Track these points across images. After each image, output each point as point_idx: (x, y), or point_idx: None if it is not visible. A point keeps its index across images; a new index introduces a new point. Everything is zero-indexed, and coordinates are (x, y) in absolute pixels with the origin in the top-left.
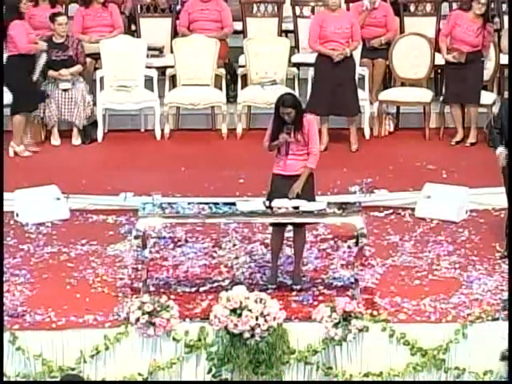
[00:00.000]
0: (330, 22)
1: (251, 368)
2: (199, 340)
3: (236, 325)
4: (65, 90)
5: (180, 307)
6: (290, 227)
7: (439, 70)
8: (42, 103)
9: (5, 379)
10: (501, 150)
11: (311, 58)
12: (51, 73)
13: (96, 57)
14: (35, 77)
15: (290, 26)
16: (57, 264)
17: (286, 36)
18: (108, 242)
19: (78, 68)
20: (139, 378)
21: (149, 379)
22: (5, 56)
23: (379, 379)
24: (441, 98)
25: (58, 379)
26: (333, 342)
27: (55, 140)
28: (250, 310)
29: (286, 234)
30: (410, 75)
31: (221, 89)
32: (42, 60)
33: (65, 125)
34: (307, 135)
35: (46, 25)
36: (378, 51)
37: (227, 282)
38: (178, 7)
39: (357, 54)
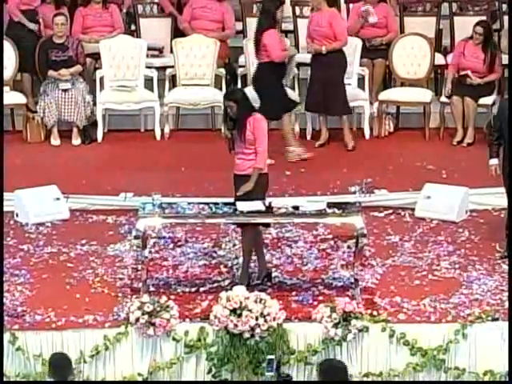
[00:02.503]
0: (313, 20)
1: (251, 368)
2: (199, 340)
3: (236, 325)
4: (65, 90)
5: (180, 307)
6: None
7: (439, 70)
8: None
9: (5, 379)
10: (492, 163)
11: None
12: (51, 73)
13: (96, 57)
14: (286, 82)
15: (290, 26)
16: (57, 264)
17: (286, 36)
18: (108, 242)
19: (77, 68)
20: (139, 378)
21: (149, 379)
22: (255, 62)
23: (379, 379)
24: (444, 92)
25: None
26: (333, 342)
27: (55, 140)
28: (249, 310)
29: (287, 235)
30: (410, 75)
31: (221, 89)
32: (293, 64)
33: (65, 125)
34: (253, 134)
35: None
36: (377, 51)
37: (227, 282)
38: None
39: (356, 54)
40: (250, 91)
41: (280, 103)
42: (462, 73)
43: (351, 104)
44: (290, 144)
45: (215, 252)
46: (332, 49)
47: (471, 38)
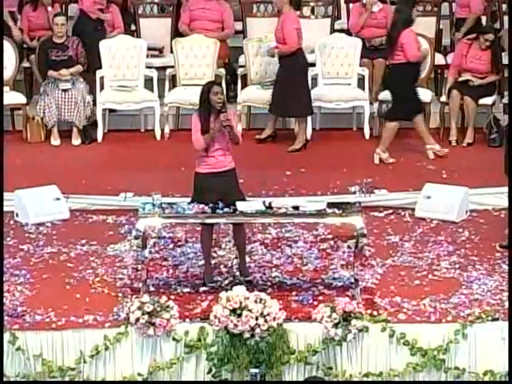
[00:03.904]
0: (277, 22)
1: (251, 368)
2: (199, 340)
3: (236, 325)
4: (65, 90)
5: (180, 307)
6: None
7: (439, 70)
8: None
9: (5, 379)
10: None
11: (311, 58)
12: (51, 73)
13: None
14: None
15: None
16: (57, 264)
17: None
18: (108, 242)
19: (77, 68)
20: (139, 378)
21: (149, 379)
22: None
23: (379, 379)
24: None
25: (58, 379)
26: (333, 342)
27: (55, 140)
28: (249, 310)
29: (287, 235)
30: None
31: None
32: (426, 65)
33: (65, 125)
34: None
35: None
36: (377, 51)
37: (227, 282)
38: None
39: (356, 54)
40: None
41: (412, 104)
42: (463, 78)
43: (351, 104)
44: (428, 142)
45: (215, 252)
46: (282, 53)
47: (475, 39)
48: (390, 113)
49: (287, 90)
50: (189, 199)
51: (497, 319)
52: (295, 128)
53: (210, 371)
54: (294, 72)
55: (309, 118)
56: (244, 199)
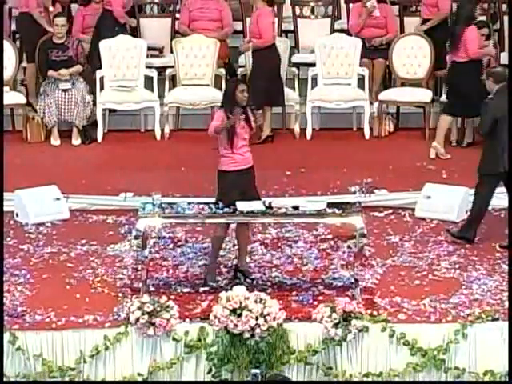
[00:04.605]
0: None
1: (251, 368)
2: (199, 340)
3: (236, 325)
4: (64, 90)
5: (180, 307)
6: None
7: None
8: None
9: (5, 379)
10: None
11: (311, 57)
12: (51, 73)
13: None
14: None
15: (290, 26)
16: (57, 264)
17: (286, 36)
18: (108, 242)
19: (77, 68)
20: (139, 378)
21: (149, 379)
22: (450, 60)
23: (379, 379)
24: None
25: (58, 379)
26: (333, 342)
27: (55, 140)
28: (249, 310)
29: (287, 235)
30: (410, 75)
31: (221, 89)
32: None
33: (65, 125)
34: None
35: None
36: (378, 51)
37: (227, 282)
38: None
39: (357, 54)
40: None
41: (478, 103)
42: None
43: (351, 104)
44: (437, 140)
45: None
46: (256, 47)
47: None
48: (447, 107)
49: (262, 84)
50: (188, 199)
51: (497, 319)
52: (295, 127)
53: (210, 371)
54: (268, 66)
55: (308, 118)
56: (259, 197)
